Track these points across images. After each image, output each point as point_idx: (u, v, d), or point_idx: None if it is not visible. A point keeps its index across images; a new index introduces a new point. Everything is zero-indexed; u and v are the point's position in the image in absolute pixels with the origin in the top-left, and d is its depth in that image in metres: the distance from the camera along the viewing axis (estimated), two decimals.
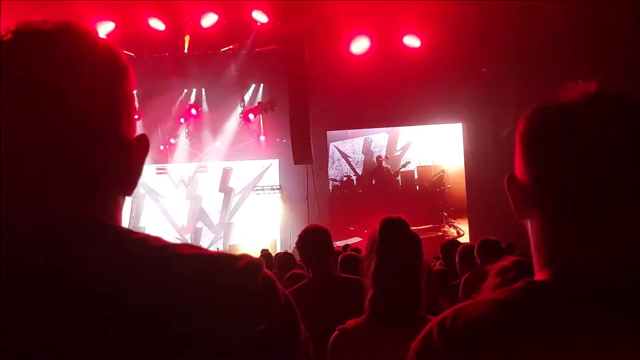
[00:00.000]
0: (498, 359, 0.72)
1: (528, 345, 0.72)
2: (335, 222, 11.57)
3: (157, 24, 11.63)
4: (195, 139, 13.66)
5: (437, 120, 12.72)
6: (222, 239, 13.55)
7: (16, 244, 0.62)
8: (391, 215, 1.99)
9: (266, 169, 13.73)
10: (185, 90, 13.49)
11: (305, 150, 11.61)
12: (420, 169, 13.04)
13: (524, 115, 0.85)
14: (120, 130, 0.70)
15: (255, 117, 13.22)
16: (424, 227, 11.97)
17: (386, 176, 13.11)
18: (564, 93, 0.82)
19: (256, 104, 13.21)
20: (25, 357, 0.57)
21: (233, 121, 13.46)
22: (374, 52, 11.58)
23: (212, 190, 13.87)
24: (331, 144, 13.43)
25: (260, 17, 11.64)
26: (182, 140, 13.65)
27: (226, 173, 13.88)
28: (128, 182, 0.72)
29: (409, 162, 13.03)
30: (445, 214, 12.62)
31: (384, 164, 13.11)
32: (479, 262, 4.01)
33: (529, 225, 0.84)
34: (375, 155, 13.29)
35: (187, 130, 13.60)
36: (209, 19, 11.63)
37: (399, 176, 13.06)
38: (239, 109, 13.31)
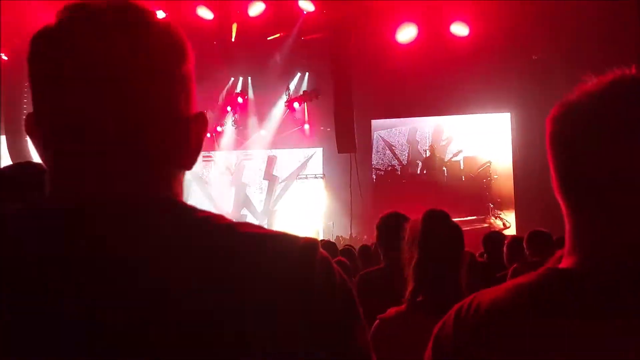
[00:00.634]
0: (517, 342, 0.72)
1: (548, 329, 0.71)
2: (378, 212, 11.54)
3: (205, 12, 11.80)
4: (241, 126, 13.84)
5: (485, 110, 12.44)
6: (265, 227, 13.69)
7: (89, 227, 0.64)
8: (434, 207, 1.99)
9: (310, 157, 13.79)
10: (232, 79, 13.66)
11: (349, 139, 11.58)
12: (466, 159, 12.81)
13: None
14: (180, 107, 0.71)
15: (300, 105, 13.28)
16: (469, 218, 11.80)
17: (433, 165, 12.95)
18: (585, 88, 0.80)
19: (301, 93, 13.26)
20: (99, 337, 0.58)
21: (278, 109, 13.56)
22: (421, 40, 11.40)
23: (257, 177, 14.05)
24: (375, 133, 13.35)
25: (306, 5, 11.63)
26: (229, 128, 13.86)
27: (271, 161, 14.03)
28: (189, 158, 0.74)
29: (461, 151, 12.79)
30: (492, 206, 12.37)
31: (436, 152, 12.95)
32: (527, 253, 3.94)
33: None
34: (420, 145, 13.14)
35: (233, 118, 13.79)
36: (256, 8, 11.71)
37: (445, 166, 12.88)
38: (284, 97, 13.39)
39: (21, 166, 1.30)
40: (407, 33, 11.47)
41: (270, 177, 14.03)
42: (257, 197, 14.02)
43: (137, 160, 0.68)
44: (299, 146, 13.78)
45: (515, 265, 4.01)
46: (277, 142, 13.73)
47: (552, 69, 10.38)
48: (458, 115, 12.80)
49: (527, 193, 11.31)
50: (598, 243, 0.77)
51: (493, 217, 12.29)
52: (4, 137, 11.52)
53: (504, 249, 4.31)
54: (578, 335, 0.70)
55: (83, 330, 0.58)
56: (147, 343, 0.59)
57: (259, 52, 12.81)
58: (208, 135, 13.40)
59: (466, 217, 11.62)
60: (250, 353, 0.60)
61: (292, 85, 13.44)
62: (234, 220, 0.69)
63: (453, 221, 1.98)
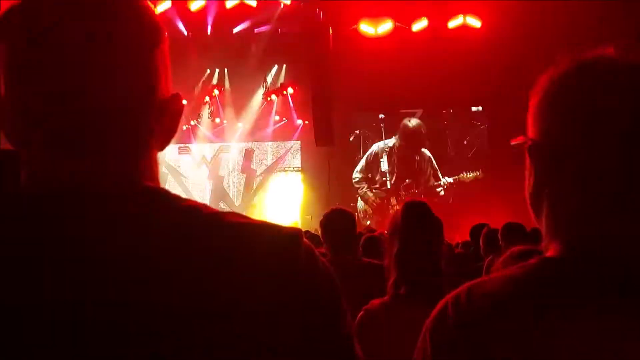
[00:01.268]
0: (514, 333, 0.72)
1: (545, 320, 0.71)
2: (356, 206, 11.59)
3: (181, 4, 11.65)
4: (217, 119, 13.72)
5: (464, 106, 12.57)
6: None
7: (68, 215, 0.62)
8: (414, 199, 2.02)
9: (288, 151, 13.76)
10: (208, 71, 13.52)
11: (327, 132, 11.59)
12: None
13: (545, 81, 0.81)
14: (159, 88, 0.70)
15: (277, 97, 13.23)
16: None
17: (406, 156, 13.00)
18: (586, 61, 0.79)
19: (279, 85, 13.20)
20: (90, 326, 0.58)
21: (255, 102, 13.48)
22: (402, 33, 11.47)
23: (234, 171, 13.97)
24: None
25: None
26: (205, 121, 13.73)
27: (248, 154, 13.96)
28: (165, 140, 0.73)
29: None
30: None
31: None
32: (502, 245, 3.99)
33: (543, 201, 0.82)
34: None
35: (209, 110, 13.66)
36: (232, 0, 11.62)
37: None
38: (262, 90, 13.32)
39: None
40: (384, 26, 11.51)
41: (247, 170, 13.96)
42: (235, 191, 13.94)
43: (117, 144, 0.67)
44: (276, 139, 13.73)
45: (490, 257, 4.07)
46: (255, 135, 13.66)
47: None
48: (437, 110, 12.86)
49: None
50: (589, 232, 0.76)
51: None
52: None
53: (480, 240, 4.37)
54: (578, 325, 0.71)
55: (65, 322, 0.58)
56: (133, 333, 0.58)
57: (236, 44, 12.72)
58: (184, 127, 13.26)
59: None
60: (238, 340, 0.60)
61: (270, 78, 13.37)
62: (218, 209, 0.69)
63: (432, 212, 2.01)
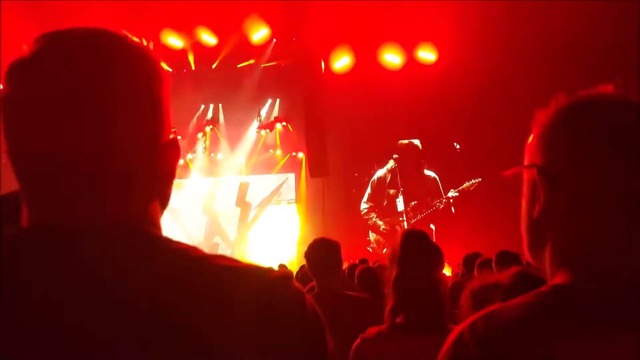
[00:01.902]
0: (533, 358, 0.73)
1: (563, 349, 0.73)
2: (351, 236, 11.53)
3: (174, 40, 11.83)
4: (212, 153, 13.77)
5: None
6: (238, 254, 13.56)
7: (61, 256, 0.63)
8: (413, 227, 2.03)
9: (282, 183, 13.78)
10: (203, 106, 13.63)
11: (321, 164, 11.65)
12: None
13: (554, 110, 0.85)
14: (155, 133, 0.70)
15: (271, 131, 13.32)
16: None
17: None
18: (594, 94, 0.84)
19: (272, 119, 13.31)
20: None
21: (250, 136, 13.56)
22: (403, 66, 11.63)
23: (229, 205, 13.94)
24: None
25: (275, 32, 11.76)
26: (200, 156, 13.77)
27: (243, 187, 13.95)
28: (163, 185, 0.73)
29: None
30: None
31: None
32: (496, 272, 3.99)
33: (542, 227, 0.84)
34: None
35: (204, 145, 13.72)
36: (227, 35, 11.79)
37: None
38: (256, 124, 13.41)
39: None
40: (391, 57, 11.67)
41: (242, 203, 13.93)
42: (230, 225, 13.87)
43: (113, 189, 0.67)
44: (271, 172, 13.76)
45: None
46: (249, 168, 13.69)
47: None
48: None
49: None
50: (599, 258, 0.79)
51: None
52: None
53: (475, 270, 4.36)
54: (597, 353, 0.72)
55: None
56: None
57: (229, 79, 12.86)
58: (181, 161, 13.41)
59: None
60: None
61: (264, 112, 13.48)
62: (207, 252, 0.69)
63: (432, 241, 2.02)
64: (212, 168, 13.82)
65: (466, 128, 11.79)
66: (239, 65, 12.70)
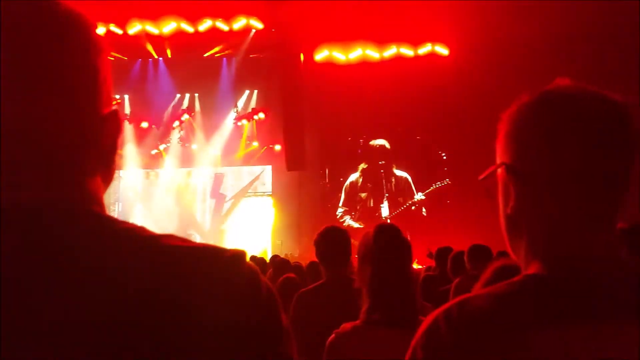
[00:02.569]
0: (504, 345, 0.75)
1: (535, 336, 0.74)
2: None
3: (152, 28, 11.67)
4: (187, 144, 13.63)
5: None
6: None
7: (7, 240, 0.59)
8: (384, 222, 2.02)
9: (259, 176, 13.73)
10: (179, 95, 13.48)
11: (298, 157, 11.63)
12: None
13: (517, 108, 0.87)
14: (92, 105, 0.67)
15: (248, 122, 13.24)
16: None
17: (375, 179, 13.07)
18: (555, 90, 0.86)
19: (250, 110, 13.23)
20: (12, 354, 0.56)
21: (226, 127, 13.46)
22: (378, 59, 11.67)
23: (204, 196, 13.83)
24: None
25: (255, 23, 11.70)
26: (174, 146, 13.62)
27: (218, 179, 13.86)
28: (105, 161, 0.69)
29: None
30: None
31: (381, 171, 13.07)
32: (468, 267, 4.03)
33: (513, 220, 0.87)
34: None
35: (179, 135, 13.57)
36: (205, 24, 11.68)
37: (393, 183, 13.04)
38: (233, 115, 13.32)
39: None
40: (354, 53, 11.70)
41: (217, 195, 13.83)
42: (204, 216, 13.78)
43: (49, 164, 0.63)
44: (247, 164, 13.69)
45: (457, 279, 4.10)
46: (225, 159, 13.59)
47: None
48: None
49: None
50: (569, 248, 0.82)
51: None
52: None
53: (448, 263, 4.40)
54: (567, 340, 0.74)
55: None
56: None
57: (207, 69, 12.75)
58: (153, 152, 13.08)
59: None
60: None
61: (241, 103, 13.39)
62: (156, 232, 0.66)
63: (403, 236, 2.01)
64: (186, 158, 13.68)
65: (445, 128, 11.91)
66: (216, 55, 12.60)
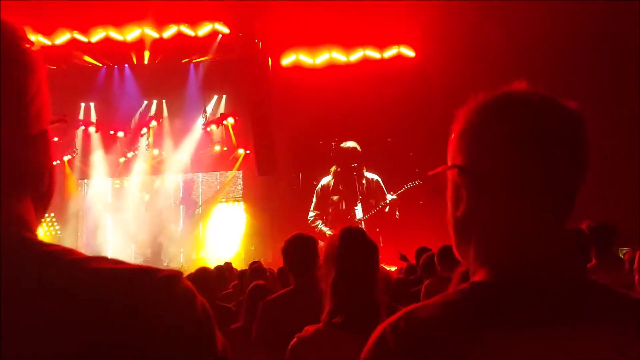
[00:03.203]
0: (452, 355, 0.74)
1: (481, 343, 0.74)
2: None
3: (116, 34, 11.49)
4: (155, 150, 13.43)
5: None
6: (183, 253, 13.33)
7: None
8: (350, 225, 2.01)
9: (229, 181, 13.61)
10: (146, 102, 13.28)
11: (269, 161, 11.58)
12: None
13: (467, 111, 0.87)
14: (18, 126, 0.64)
15: (217, 127, 13.12)
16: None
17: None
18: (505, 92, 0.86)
19: (219, 115, 13.12)
20: None
21: (195, 132, 13.31)
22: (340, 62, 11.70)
23: (174, 203, 13.65)
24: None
25: (221, 27, 11.62)
26: (142, 153, 13.40)
27: (188, 185, 13.70)
28: (34, 183, 0.67)
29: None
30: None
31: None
32: (439, 269, 4.05)
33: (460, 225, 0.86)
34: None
35: (147, 142, 13.36)
36: (170, 30, 11.56)
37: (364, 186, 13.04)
38: (201, 120, 13.18)
39: None
40: (325, 57, 11.73)
41: (188, 201, 13.67)
42: (175, 223, 13.59)
43: None
44: (217, 169, 13.57)
45: (428, 282, 4.12)
46: (195, 165, 13.44)
47: None
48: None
49: None
50: (510, 254, 0.81)
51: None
52: None
53: (418, 266, 4.42)
54: (513, 345, 0.74)
55: None
56: None
57: (174, 75, 12.60)
58: (121, 160, 12.85)
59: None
60: None
61: (209, 108, 13.27)
62: (86, 255, 0.64)
63: (370, 238, 2.00)
64: (155, 165, 13.49)
65: (414, 128, 12.00)
66: (183, 61, 12.46)
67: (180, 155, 13.28)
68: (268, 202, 12.24)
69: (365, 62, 12.05)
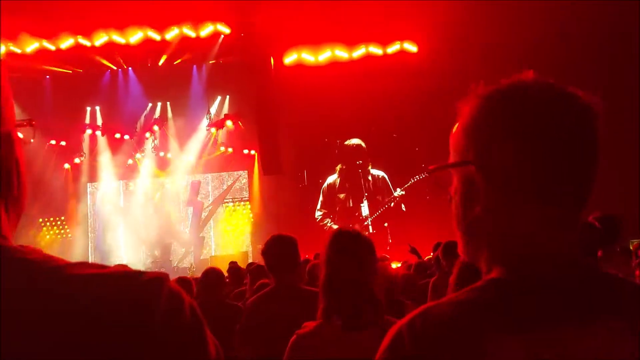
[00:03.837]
0: (468, 354, 0.73)
1: (499, 342, 0.73)
2: (306, 233, 11.53)
3: (119, 38, 11.54)
4: (161, 153, 13.47)
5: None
6: (192, 254, 13.38)
7: None
8: (343, 227, 2.03)
9: (235, 181, 13.64)
10: (150, 105, 13.33)
11: (274, 161, 11.60)
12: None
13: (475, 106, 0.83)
14: None
15: (222, 129, 13.14)
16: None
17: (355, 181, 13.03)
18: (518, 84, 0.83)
19: (222, 116, 13.13)
20: None
21: (200, 134, 13.34)
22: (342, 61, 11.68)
23: (181, 204, 13.70)
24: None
25: (222, 28, 11.64)
26: (149, 155, 13.45)
27: (195, 186, 13.74)
28: (7, 186, 0.65)
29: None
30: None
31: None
32: (444, 264, 4.04)
33: (472, 223, 0.84)
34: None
35: (153, 144, 13.41)
36: (172, 32, 11.59)
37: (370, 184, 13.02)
38: (206, 122, 13.21)
39: None
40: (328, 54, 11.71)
41: (195, 202, 13.71)
42: (183, 224, 13.63)
43: None
44: (223, 170, 13.59)
45: (435, 277, 4.11)
46: (201, 166, 13.47)
47: None
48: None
49: None
50: (527, 251, 0.80)
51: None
52: None
53: (434, 260, 4.40)
54: (532, 344, 0.73)
55: None
56: None
57: (177, 77, 12.63)
58: (128, 162, 12.90)
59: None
60: None
61: (213, 109, 13.28)
62: (68, 261, 0.63)
63: (364, 238, 2.00)
64: (162, 167, 13.53)
65: (419, 123, 11.96)
66: (178, 62, 12.48)
67: (186, 156, 13.31)
68: (274, 202, 12.24)
69: (368, 58, 12.03)
